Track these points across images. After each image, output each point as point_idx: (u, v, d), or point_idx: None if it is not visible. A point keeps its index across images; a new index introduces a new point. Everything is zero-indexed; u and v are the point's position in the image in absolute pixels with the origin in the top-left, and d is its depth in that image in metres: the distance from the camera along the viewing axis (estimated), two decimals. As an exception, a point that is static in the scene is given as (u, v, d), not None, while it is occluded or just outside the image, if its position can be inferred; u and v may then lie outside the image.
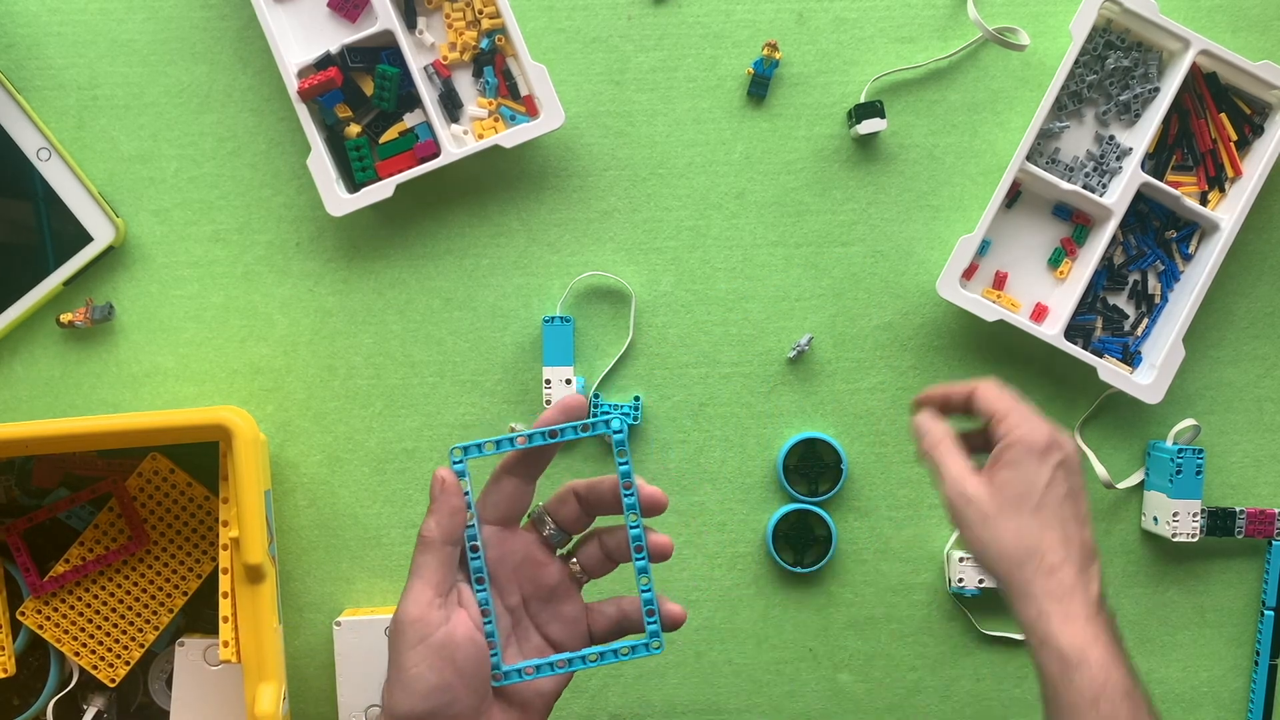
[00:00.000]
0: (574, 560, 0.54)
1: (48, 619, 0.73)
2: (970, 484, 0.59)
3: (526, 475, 0.53)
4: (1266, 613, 0.79)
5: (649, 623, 0.53)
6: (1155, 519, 0.78)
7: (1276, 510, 0.78)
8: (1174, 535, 0.77)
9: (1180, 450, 0.76)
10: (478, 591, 0.52)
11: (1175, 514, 0.76)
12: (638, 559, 0.52)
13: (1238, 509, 0.78)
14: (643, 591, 0.52)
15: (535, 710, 0.53)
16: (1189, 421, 0.78)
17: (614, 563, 0.54)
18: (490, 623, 0.51)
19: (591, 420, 0.51)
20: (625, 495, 0.52)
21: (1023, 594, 0.57)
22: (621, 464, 0.51)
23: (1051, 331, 0.75)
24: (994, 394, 0.62)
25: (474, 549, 0.51)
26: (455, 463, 0.51)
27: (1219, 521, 0.78)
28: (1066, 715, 0.55)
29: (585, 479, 0.54)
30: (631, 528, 0.52)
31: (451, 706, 0.50)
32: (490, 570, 0.52)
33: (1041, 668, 0.56)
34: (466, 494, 0.51)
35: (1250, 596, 0.80)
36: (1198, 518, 0.77)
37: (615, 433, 0.51)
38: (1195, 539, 0.77)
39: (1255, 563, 0.80)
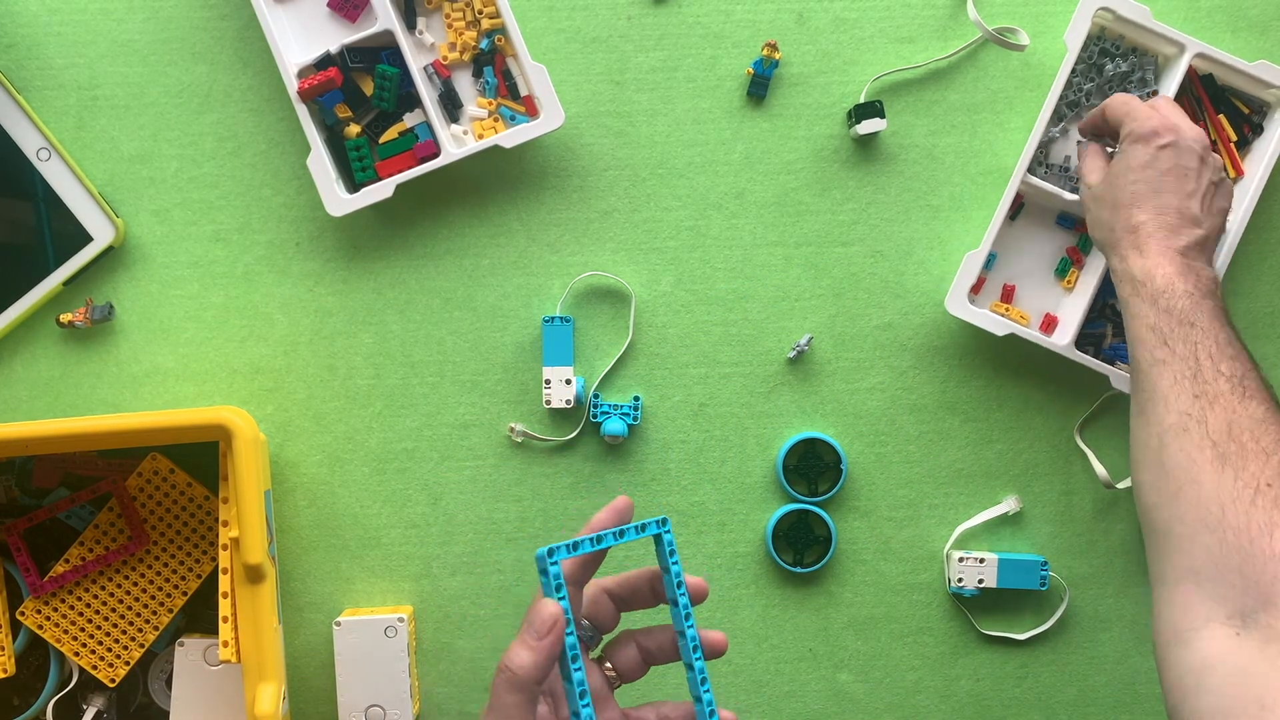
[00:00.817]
0: (608, 665, 0.53)
1: (47, 619, 0.73)
2: (1094, 174, 0.69)
3: (578, 581, 0.52)
4: (1266, 612, 0.79)
5: None
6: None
7: (1276, 510, 0.78)
8: (1174, 535, 0.76)
9: (1180, 450, 0.76)
10: (583, 708, 0.48)
11: (1175, 514, 0.76)
12: (696, 659, 0.51)
13: (1237, 509, 0.78)
14: (703, 693, 0.51)
15: None
16: (1189, 421, 0.78)
17: (648, 666, 0.53)
18: None
19: (645, 522, 0.51)
20: (680, 595, 0.51)
21: (1110, 251, 0.66)
22: (673, 563, 0.51)
23: (1062, 342, 0.75)
24: (1118, 103, 0.69)
25: (574, 657, 0.48)
26: (551, 563, 0.48)
27: (1219, 521, 0.78)
28: (1133, 331, 0.61)
29: (613, 576, 0.53)
30: (688, 628, 0.51)
31: None
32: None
33: (1120, 303, 0.64)
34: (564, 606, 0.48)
35: (1250, 596, 0.80)
36: (1197, 517, 0.76)
37: (666, 533, 0.51)
38: (1195, 539, 0.77)
39: (1255, 563, 0.80)
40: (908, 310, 0.78)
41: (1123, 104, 0.68)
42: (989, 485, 0.79)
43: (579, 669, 0.48)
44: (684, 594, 0.51)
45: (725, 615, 0.79)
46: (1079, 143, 0.74)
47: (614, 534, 0.50)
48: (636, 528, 0.51)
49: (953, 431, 0.79)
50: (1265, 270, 0.79)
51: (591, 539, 0.50)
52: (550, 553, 0.48)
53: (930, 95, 0.78)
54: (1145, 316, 0.61)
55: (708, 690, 0.51)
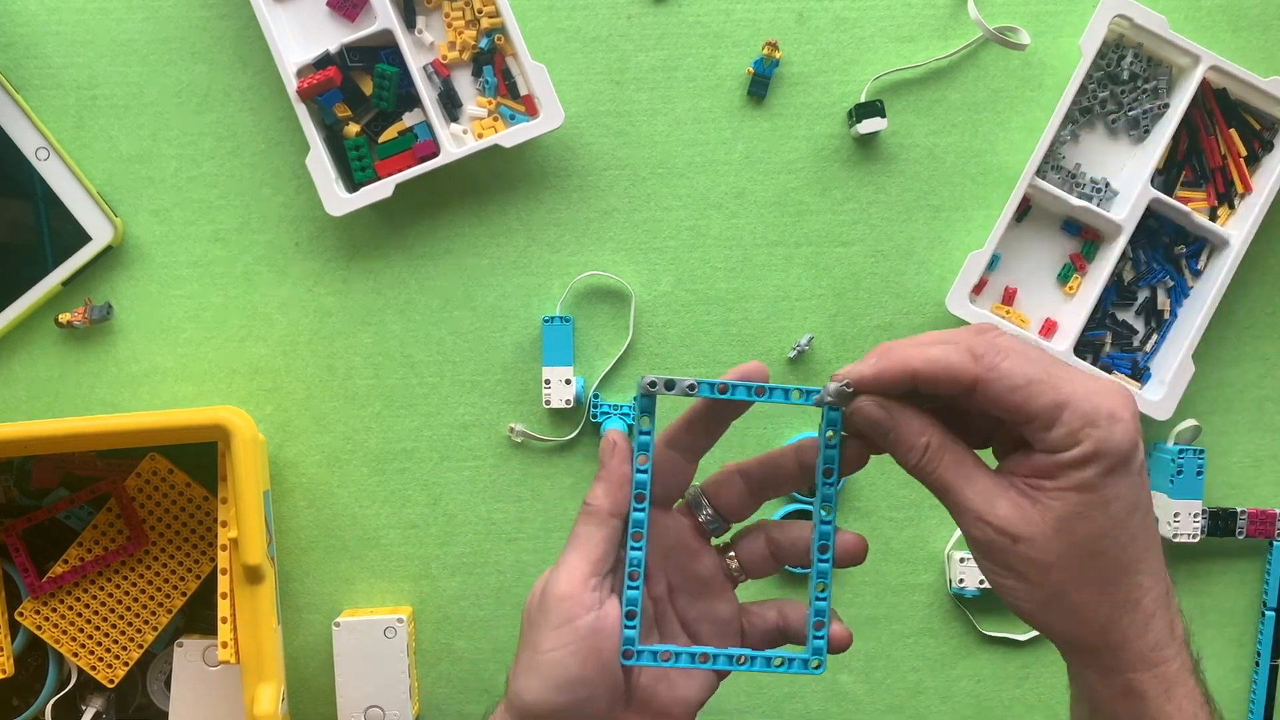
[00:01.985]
0: (731, 554, 0.48)
1: (46, 619, 0.73)
2: (1011, 513, 0.42)
3: (692, 448, 0.46)
4: (1267, 613, 0.79)
5: (815, 637, 0.45)
6: (1156, 519, 0.78)
7: (1277, 510, 0.78)
8: (1175, 536, 0.76)
9: (1181, 450, 0.76)
10: (631, 549, 0.44)
11: (1176, 514, 0.76)
12: (820, 560, 0.45)
13: (1239, 509, 0.78)
14: (816, 599, 0.45)
15: None
16: (1190, 422, 0.78)
17: (778, 564, 0.48)
18: (637, 589, 0.44)
19: (807, 388, 0.43)
20: (824, 484, 0.44)
21: (1098, 662, 0.43)
22: (829, 447, 0.44)
23: (1061, 347, 0.75)
24: (1019, 376, 0.41)
25: (639, 498, 0.44)
26: (642, 395, 0.43)
27: (1220, 522, 0.78)
28: None
29: (752, 457, 0.47)
30: (823, 522, 0.45)
31: (587, 705, 0.44)
32: None
33: None
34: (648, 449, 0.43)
35: (1251, 597, 0.80)
36: (1198, 518, 0.76)
37: (831, 404, 0.43)
38: (1196, 539, 0.77)
39: (1256, 563, 0.80)
40: (908, 310, 0.78)
41: (1025, 365, 0.41)
42: (990, 485, 0.79)
43: (640, 509, 0.44)
44: (831, 485, 0.44)
45: (725, 616, 0.79)
46: (866, 404, 0.44)
47: (750, 388, 0.43)
48: (786, 390, 0.43)
49: (953, 432, 0.79)
50: (1266, 272, 0.79)
51: (712, 384, 0.43)
52: (652, 384, 0.43)
53: (931, 94, 0.78)
54: None
55: (823, 597, 0.44)
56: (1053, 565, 0.41)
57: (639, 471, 0.44)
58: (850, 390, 0.43)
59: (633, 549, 0.45)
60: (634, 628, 0.44)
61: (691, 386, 0.43)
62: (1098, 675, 0.43)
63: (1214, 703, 0.45)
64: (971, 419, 0.45)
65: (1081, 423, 0.40)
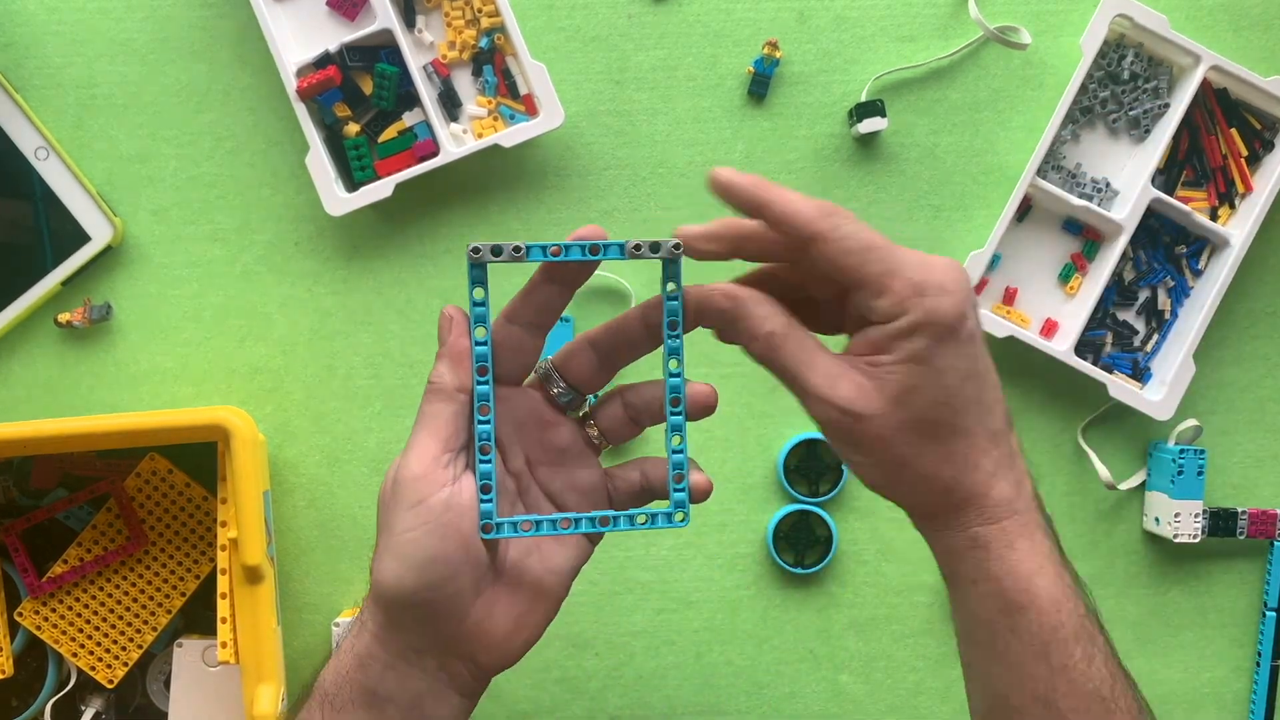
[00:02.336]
0: (590, 423, 0.48)
1: (45, 620, 0.73)
2: (851, 393, 0.43)
3: (536, 322, 0.45)
4: (1268, 614, 0.79)
5: (675, 489, 0.45)
6: (1157, 520, 0.78)
7: (1278, 511, 0.78)
8: (1175, 536, 0.76)
9: (1182, 451, 0.76)
10: (479, 424, 0.43)
11: (1177, 515, 0.76)
12: (673, 413, 0.45)
13: (1239, 509, 0.78)
14: (673, 453, 0.45)
15: (547, 595, 0.46)
16: (1191, 422, 0.78)
17: (638, 426, 0.48)
18: (489, 462, 0.44)
19: (644, 241, 0.43)
20: (670, 337, 0.44)
21: (946, 523, 0.46)
22: (670, 299, 0.44)
23: (1062, 347, 0.75)
24: (854, 246, 0.42)
25: (481, 370, 0.43)
26: (472, 265, 0.42)
27: (1221, 522, 0.77)
28: (1008, 666, 0.44)
29: (599, 325, 0.47)
30: (671, 375, 0.44)
31: (448, 584, 0.43)
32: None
33: (973, 605, 0.46)
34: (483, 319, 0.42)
35: (1252, 597, 0.80)
36: (1199, 518, 0.76)
37: (674, 251, 0.43)
38: (1197, 540, 0.77)
39: (1257, 563, 0.80)
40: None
41: (868, 249, 0.42)
42: (990, 486, 0.79)
43: (484, 382, 0.44)
44: (676, 337, 0.43)
45: (726, 616, 0.79)
46: (710, 289, 0.46)
47: (583, 247, 0.42)
48: (621, 246, 0.42)
49: (954, 432, 0.78)
50: (1266, 272, 0.79)
51: (544, 247, 0.41)
52: (476, 250, 0.41)
53: (932, 94, 0.77)
54: (1023, 659, 0.44)
55: (680, 450, 0.44)
56: (893, 439, 0.43)
57: (478, 344, 0.44)
58: (679, 250, 0.44)
59: (480, 423, 0.44)
60: (490, 500, 0.43)
61: (518, 249, 0.42)
62: (946, 535, 0.46)
63: (1068, 561, 0.46)
64: (819, 307, 0.47)
65: (910, 291, 0.42)
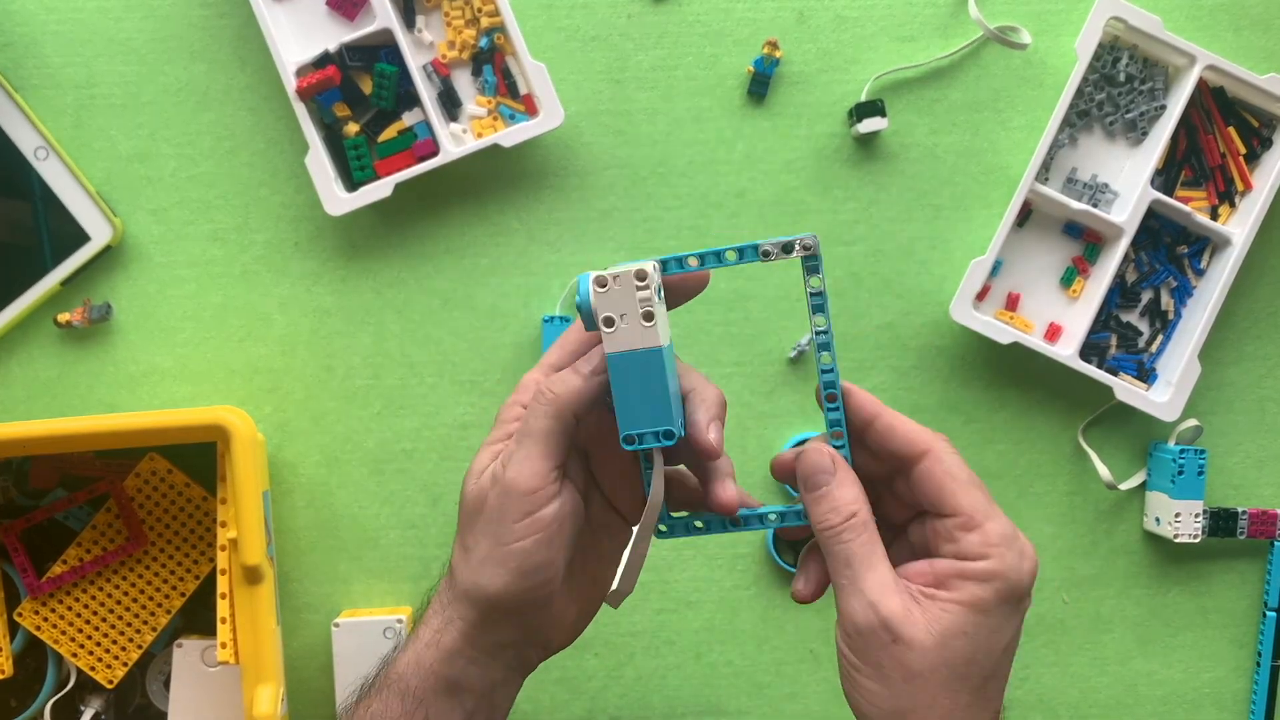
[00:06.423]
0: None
1: (45, 620, 0.73)
2: (900, 610, 0.42)
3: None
4: (1268, 614, 0.79)
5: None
6: (1157, 520, 0.78)
7: (1278, 511, 0.78)
8: (1176, 536, 0.76)
9: (1182, 451, 0.76)
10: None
11: (1177, 515, 0.76)
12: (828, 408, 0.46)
13: (1240, 510, 0.78)
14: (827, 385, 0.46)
15: (602, 580, 0.50)
16: (1191, 422, 0.78)
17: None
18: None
19: (788, 239, 0.45)
20: (829, 409, 0.45)
21: None
22: (814, 295, 0.46)
23: (1066, 352, 0.75)
24: (948, 466, 0.44)
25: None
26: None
27: (1221, 522, 0.77)
28: None
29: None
30: (835, 444, 0.46)
31: (548, 585, 0.46)
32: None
33: None
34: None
35: (1252, 597, 0.80)
36: (1200, 518, 0.76)
37: (806, 252, 0.45)
38: (1197, 540, 0.77)
39: (1257, 564, 0.80)
40: (909, 310, 0.78)
41: (974, 483, 0.44)
42: (990, 485, 0.78)
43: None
44: (837, 407, 0.45)
45: (726, 616, 0.79)
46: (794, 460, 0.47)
47: (753, 248, 0.45)
48: (782, 245, 0.45)
49: (954, 432, 0.78)
50: (1266, 271, 0.79)
51: (719, 253, 0.46)
52: (664, 264, 0.46)
53: (932, 94, 0.77)
54: None
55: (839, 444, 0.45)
56: (921, 676, 0.41)
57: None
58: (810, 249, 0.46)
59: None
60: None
61: (701, 257, 0.46)
62: None
63: None
64: (892, 507, 0.47)
65: (998, 540, 0.42)
